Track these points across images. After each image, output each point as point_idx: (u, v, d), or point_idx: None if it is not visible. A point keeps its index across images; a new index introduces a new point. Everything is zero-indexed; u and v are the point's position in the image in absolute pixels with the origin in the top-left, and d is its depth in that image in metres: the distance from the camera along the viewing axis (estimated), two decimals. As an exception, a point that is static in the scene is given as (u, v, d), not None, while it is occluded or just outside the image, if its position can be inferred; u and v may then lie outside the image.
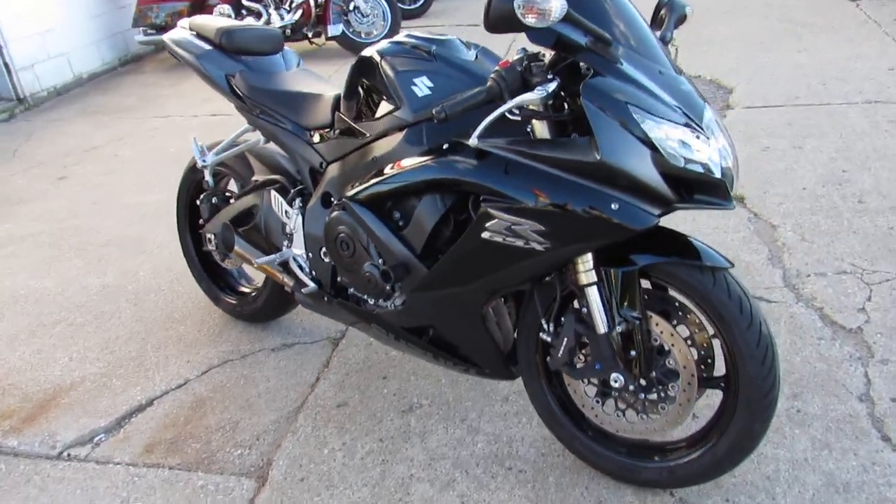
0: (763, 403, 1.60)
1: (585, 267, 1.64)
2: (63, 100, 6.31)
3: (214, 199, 2.49)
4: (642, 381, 1.71)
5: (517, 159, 1.57)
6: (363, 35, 6.61)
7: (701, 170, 1.48)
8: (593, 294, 1.65)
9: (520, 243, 1.58)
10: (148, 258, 3.30)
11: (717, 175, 1.49)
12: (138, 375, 2.50)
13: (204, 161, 2.36)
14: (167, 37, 2.42)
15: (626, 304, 1.67)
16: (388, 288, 1.88)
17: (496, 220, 1.59)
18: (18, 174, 4.62)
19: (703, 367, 1.72)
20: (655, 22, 1.74)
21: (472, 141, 1.53)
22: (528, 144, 1.56)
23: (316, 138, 2.10)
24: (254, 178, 2.34)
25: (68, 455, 2.18)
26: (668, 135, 1.46)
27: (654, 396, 1.72)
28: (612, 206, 1.48)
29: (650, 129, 1.45)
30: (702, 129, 1.49)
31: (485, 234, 1.62)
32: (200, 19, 2.38)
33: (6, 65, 5.91)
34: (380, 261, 1.88)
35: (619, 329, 1.66)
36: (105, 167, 4.59)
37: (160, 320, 2.80)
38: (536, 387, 1.89)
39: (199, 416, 2.28)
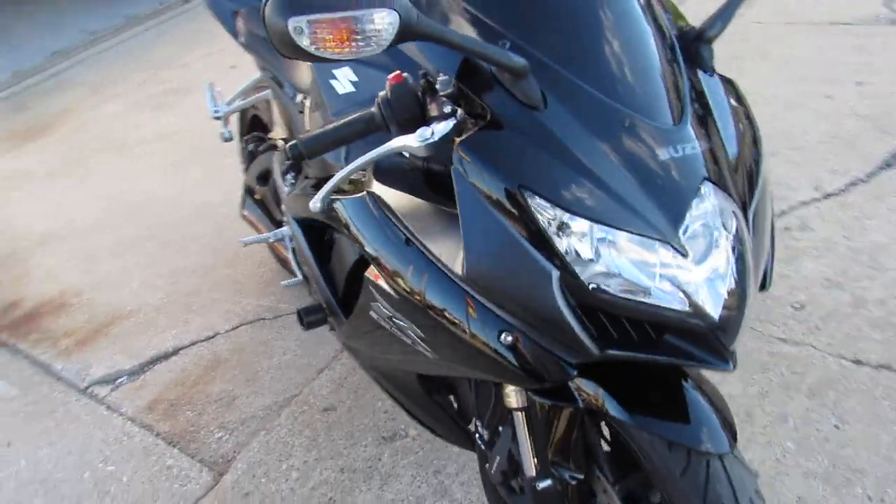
0: None
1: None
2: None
3: (251, 147, 2.23)
4: None
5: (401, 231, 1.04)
6: None
7: (669, 305, 0.84)
8: (520, 423, 1.12)
9: (407, 341, 1.09)
10: (260, 173, 3.22)
11: (711, 315, 0.84)
12: (181, 317, 2.46)
13: (216, 111, 2.08)
14: None
15: (566, 450, 1.11)
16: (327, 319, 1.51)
17: (378, 303, 1.11)
18: (201, 60, 4.81)
19: None
20: None
21: (313, 205, 1.03)
22: (413, 213, 1.02)
23: (300, 105, 1.69)
24: (268, 136, 2.02)
25: (91, 392, 2.24)
26: (598, 244, 0.83)
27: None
28: (504, 337, 0.92)
29: (556, 234, 0.83)
30: (675, 240, 0.82)
31: (372, 314, 1.15)
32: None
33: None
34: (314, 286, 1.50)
35: (546, 483, 1.12)
36: (275, 58, 4.57)
37: (228, 256, 2.72)
38: (487, 483, 1.43)
39: (207, 380, 2.19)
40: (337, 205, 1.21)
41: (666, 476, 0.97)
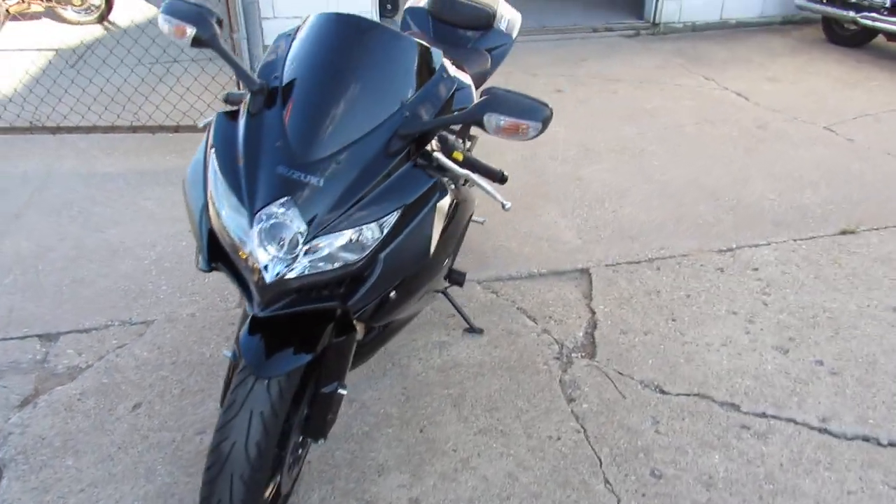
0: None
1: None
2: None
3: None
4: None
5: None
6: None
7: (250, 263, 1.38)
8: None
9: None
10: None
11: (265, 278, 1.35)
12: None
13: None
14: None
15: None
16: None
17: None
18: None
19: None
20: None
21: (201, 122, 1.72)
22: None
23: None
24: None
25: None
26: (222, 195, 1.43)
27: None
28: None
29: (213, 178, 1.45)
30: (248, 216, 1.37)
31: None
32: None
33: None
34: None
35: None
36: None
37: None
38: None
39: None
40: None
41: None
